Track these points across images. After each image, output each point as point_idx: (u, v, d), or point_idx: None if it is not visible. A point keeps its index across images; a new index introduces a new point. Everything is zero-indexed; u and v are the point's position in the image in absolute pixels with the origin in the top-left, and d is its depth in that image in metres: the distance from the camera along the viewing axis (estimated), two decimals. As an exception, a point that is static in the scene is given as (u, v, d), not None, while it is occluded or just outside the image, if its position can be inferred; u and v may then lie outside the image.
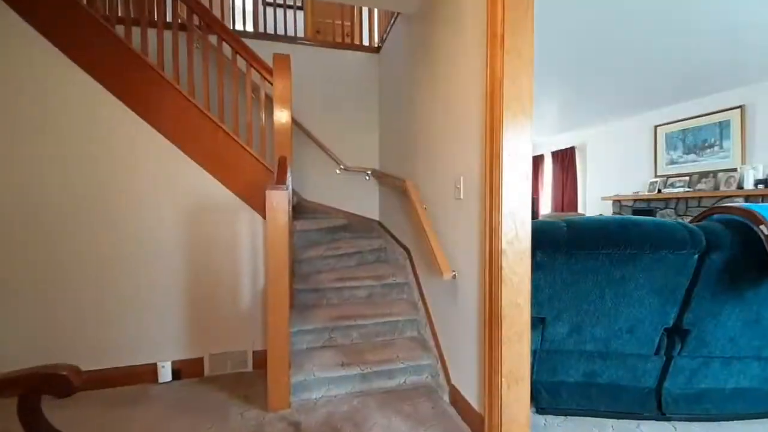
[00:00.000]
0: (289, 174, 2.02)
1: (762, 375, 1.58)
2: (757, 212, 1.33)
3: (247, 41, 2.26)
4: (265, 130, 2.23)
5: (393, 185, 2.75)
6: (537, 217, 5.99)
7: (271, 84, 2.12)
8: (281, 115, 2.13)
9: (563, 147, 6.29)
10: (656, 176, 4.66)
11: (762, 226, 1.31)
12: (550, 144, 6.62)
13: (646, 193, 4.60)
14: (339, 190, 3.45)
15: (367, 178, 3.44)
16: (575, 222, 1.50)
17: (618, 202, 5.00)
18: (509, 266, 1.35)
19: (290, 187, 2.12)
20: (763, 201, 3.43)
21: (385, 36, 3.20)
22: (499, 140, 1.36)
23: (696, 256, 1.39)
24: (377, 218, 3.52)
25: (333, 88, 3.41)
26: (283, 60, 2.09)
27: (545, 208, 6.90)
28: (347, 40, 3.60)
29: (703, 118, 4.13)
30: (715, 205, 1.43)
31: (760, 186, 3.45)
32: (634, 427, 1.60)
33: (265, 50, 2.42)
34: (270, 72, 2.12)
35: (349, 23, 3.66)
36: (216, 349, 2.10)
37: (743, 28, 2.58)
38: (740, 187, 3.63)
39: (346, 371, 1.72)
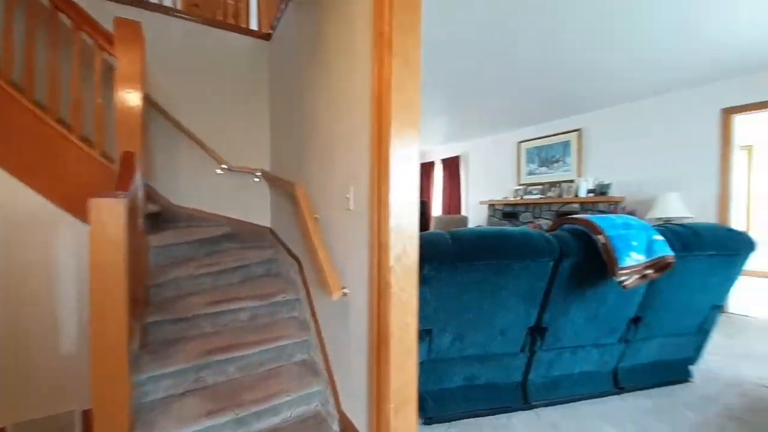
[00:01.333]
0: (138, 175, 1.56)
1: (600, 360, 1.87)
2: (597, 224, 1.54)
3: (108, 3, 1.68)
4: (104, 115, 1.70)
5: (284, 190, 2.46)
6: (429, 220, 6.38)
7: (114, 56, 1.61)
8: (128, 98, 1.64)
9: (451, 155, 6.85)
10: (519, 184, 5.43)
11: (599, 236, 1.52)
12: (441, 152, 7.14)
13: (512, 199, 5.32)
14: (222, 193, 2.97)
15: (257, 179, 3.04)
16: (460, 235, 1.51)
17: (492, 206, 5.67)
18: (398, 283, 1.26)
19: (140, 191, 1.65)
20: (592, 206, 4.29)
21: (275, 23, 2.86)
22: (387, 151, 1.26)
23: (551, 263, 1.54)
24: (269, 225, 3.16)
25: (215, 74, 2.91)
26: (128, 26, 1.61)
27: (436, 211, 7.43)
28: (233, 21, 3.12)
29: (553, 138, 4.96)
30: (567, 216, 1.60)
31: (590, 194, 4.30)
32: (506, 420, 1.71)
33: (126, 16, 1.86)
34: (110, 41, 1.61)
35: (232, 1, 3.18)
36: (27, 413, 1.50)
37: (579, 68, 3.15)
38: (577, 195, 4.46)
39: (214, 420, 1.40)
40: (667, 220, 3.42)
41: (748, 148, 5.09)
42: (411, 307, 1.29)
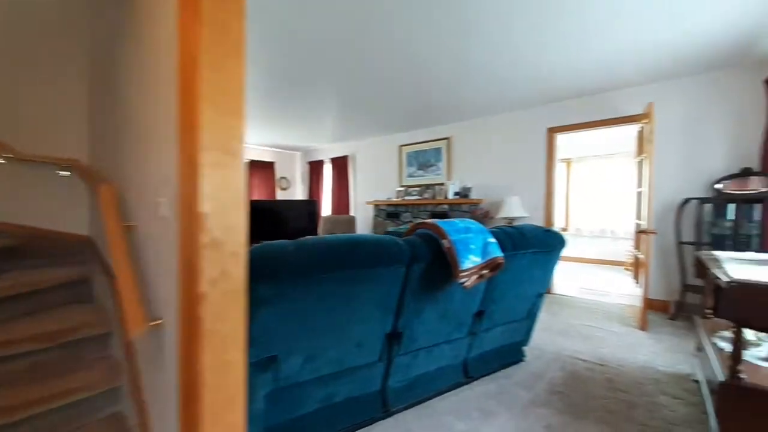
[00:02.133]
0: None
1: (452, 354, 1.96)
2: (442, 227, 1.57)
3: None
4: None
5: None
6: (318, 220, 6.14)
7: None
8: None
9: (340, 155, 6.75)
10: (401, 186, 5.68)
11: (445, 241, 1.55)
12: (331, 150, 6.96)
13: (395, 199, 5.52)
14: (7, 191, 2.13)
15: (64, 174, 2.29)
16: (306, 245, 1.34)
17: (377, 206, 5.79)
18: (214, 314, 1.00)
19: None
20: (458, 207, 4.73)
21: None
22: (196, 146, 0.98)
23: (404, 269, 1.51)
24: (87, 234, 2.42)
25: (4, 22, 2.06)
26: None
27: (326, 210, 7.23)
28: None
29: (428, 143, 5.33)
30: (421, 221, 1.57)
31: (456, 197, 4.75)
32: (366, 433, 1.63)
33: None
34: None
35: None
36: None
37: (441, 84, 3.39)
38: (446, 197, 4.87)
39: None
40: (511, 219, 4.00)
41: (567, 161, 6.44)
42: (236, 340, 1.04)
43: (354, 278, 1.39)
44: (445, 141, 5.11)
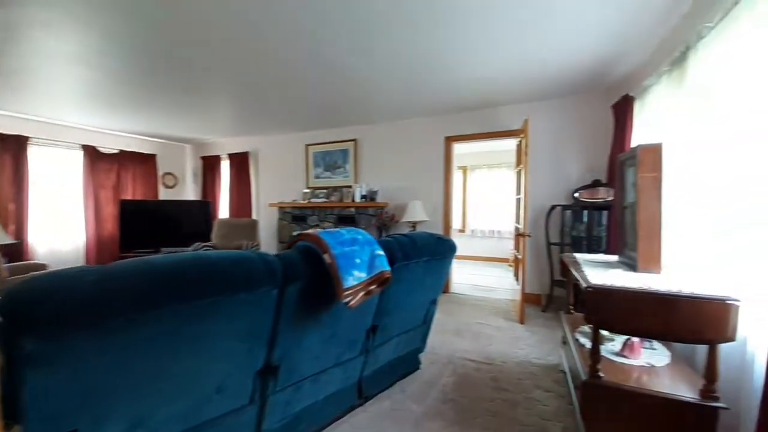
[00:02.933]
0: None
1: (344, 376, 1.75)
2: (324, 240, 1.35)
3: None
4: None
5: None
6: (212, 223, 5.33)
7: None
8: None
9: (240, 150, 6.00)
10: (308, 187, 5.32)
11: (326, 255, 1.32)
12: (229, 145, 6.14)
13: (301, 202, 5.13)
14: None
15: None
16: (115, 273, 0.94)
17: (282, 209, 5.30)
18: None
19: None
20: (365, 210, 4.61)
21: None
22: None
23: (275, 291, 1.24)
24: None
25: None
26: None
27: (224, 212, 6.36)
28: None
29: (335, 144, 5.09)
30: (301, 233, 1.30)
31: (363, 200, 4.62)
32: (231, 496, 1.30)
33: None
34: None
35: None
36: None
37: (346, 85, 3.19)
38: (353, 200, 4.71)
39: None
40: (414, 223, 4.04)
41: (464, 168, 6.96)
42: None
43: (202, 311, 1.06)
44: (353, 143, 4.94)
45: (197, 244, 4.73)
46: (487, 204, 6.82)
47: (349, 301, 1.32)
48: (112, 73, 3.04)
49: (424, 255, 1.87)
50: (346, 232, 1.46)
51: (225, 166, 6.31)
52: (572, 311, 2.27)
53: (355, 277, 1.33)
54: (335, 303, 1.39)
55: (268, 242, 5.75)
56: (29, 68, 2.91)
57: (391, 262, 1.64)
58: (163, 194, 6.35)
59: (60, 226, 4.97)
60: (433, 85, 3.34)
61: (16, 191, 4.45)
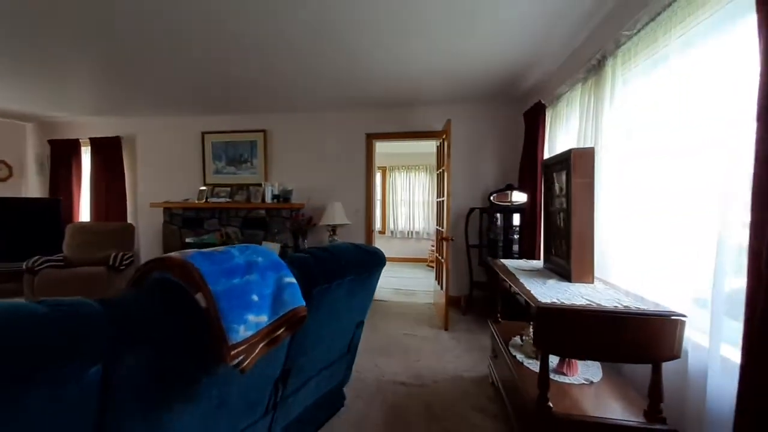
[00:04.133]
0: None
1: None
2: (197, 267, 0.84)
3: None
4: None
5: None
6: (63, 230, 3.97)
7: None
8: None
9: (108, 135, 4.64)
10: (205, 184, 4.40)
11: (199, 294, 0.83)
12: (91, 127, 4.70)
13: (196, 201, 4.20)
14: None
15: None
16: None
17: (168, 210, 4.26)
18: None
19: None
20: (277, 212, 3.98)
21: None
22: None
23: (96, 370, 0.69)
24: None
25: None
26: None
27: (84, 215, 4.86)
28: None
29: (240, 134, 4.30)
30: (158, 258, 0.74)
31: (275, 200, 3.99)
32: None
33: None
34: None
35: None
36: None
37: (261, 60, 2.58)
38: (264, 200, 4.04)
39: None
40: (334, 227, 3.62)
41: (383, 168, 6.80)
42: None
43: None
44: (261, 134, 4.24)
45: (37, 258, 3.41)
46: (406, 205, 6.80)
47: (241, 362, 0.85)
48: None
49: (349, 273, 1.48)
50: (237, 252, 0.97)
51: (86, 155, 4.83)
52: (500, 320, 2.17)
53: (249, 325, 0.86)
54: (218, 367, 0.89)
55: (149, 253, 4.59)
56: None
57: (309, 287, 1.22)
58: (-13, 189, 4.53)
59: None
60: (355, 76, 2.98)
61: None
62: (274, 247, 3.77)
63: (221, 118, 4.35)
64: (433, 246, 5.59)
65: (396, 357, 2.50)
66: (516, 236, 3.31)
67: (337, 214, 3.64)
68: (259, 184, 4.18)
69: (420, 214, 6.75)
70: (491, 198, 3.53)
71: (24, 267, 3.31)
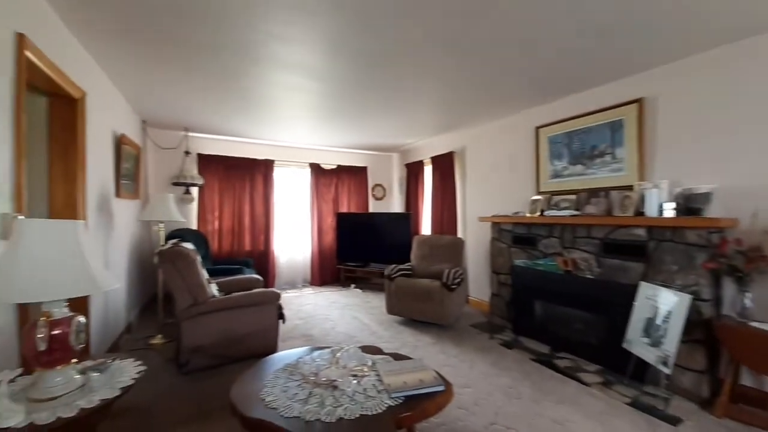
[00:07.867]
0: None
1: None
2: None
3: None
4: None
5: None
6: (411, 240, 4.45)
7: None
8: None
9: (443, 152, 4.89)
10: (538, 193, 3.41)
11: None
12: (431, 147, 5.19)
13: (527, 215, 3.29)
14: None
15: None
16: None
17: (497, 225, 3.64)
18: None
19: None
20: (673, 233, 2.22)
21: None
22: None
23: None
24: None
25: None
26: None
27: (426, 227, 5.45)
28: None
29: (592, 116, 2.93)
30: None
31: (673, 212, 2.24)
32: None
33: None
34: None
35: None
36: None
37: None
38: (641, 212, 2.42)
39: None
40: None
41: None
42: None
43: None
44: (633, 106, 2.64)
45: (393, 267, 3.85)
46: None
47: None
48: (333, 87, 2.47)
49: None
50: None
51: (428, 172, 5.38)
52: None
53: None
54: None
55: (477, 270, 4.26)
56: (270, 97, 3.04)
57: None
58: (373, 206, 6.18)
59: (294, 237, 5.48)
60: None
61: (264, 207, 5.13)
62: (672, 299, 2.07)
63: (563, 102, 3.21)
64: None
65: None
66: None
67: None
68: (630, 187, 2.59)
69: None
70: None
71: (385, 274, 3.78)
